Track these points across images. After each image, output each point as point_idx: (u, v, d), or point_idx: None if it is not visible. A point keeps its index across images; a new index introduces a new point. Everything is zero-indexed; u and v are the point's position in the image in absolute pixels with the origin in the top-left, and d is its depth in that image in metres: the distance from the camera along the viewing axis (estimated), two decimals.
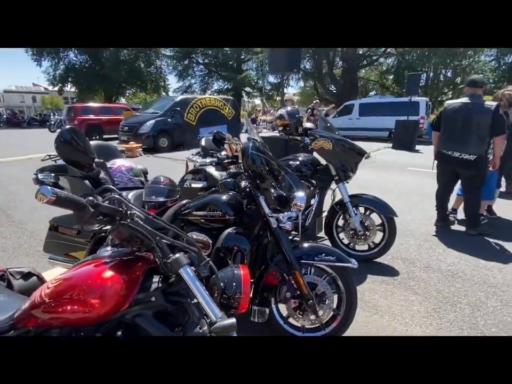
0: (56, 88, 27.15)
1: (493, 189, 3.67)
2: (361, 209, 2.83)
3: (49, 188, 0.72)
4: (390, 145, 10.74)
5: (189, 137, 10.16)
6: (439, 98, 21.63)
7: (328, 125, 2.89)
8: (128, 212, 0.84)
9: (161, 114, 10.66)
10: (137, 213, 0.88)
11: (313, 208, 2.70)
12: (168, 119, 10.55)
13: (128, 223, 0.84)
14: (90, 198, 0.77)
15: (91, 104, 16.00)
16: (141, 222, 0.86)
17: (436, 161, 3.62)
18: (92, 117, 13.92)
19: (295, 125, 2.92)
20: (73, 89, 28.41)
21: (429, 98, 16.36)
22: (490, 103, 3.21)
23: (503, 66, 20.25)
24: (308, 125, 3.04)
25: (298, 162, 2.81)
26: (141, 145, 9.60)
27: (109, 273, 0.85)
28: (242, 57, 28.86)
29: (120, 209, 0.82)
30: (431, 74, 23.16)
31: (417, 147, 10.02)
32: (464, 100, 3.28)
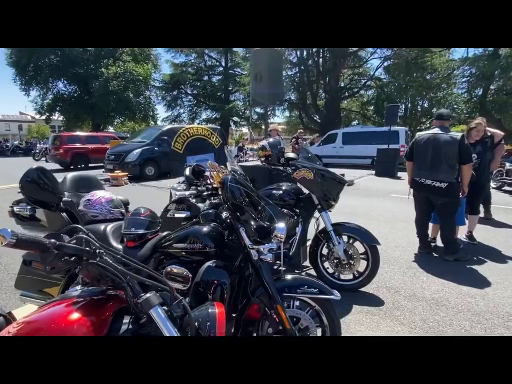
0: (44, 117, 27.12)
1: (462, 215, 3.78)
2: (345, 238, 2.84)
3: (9, 230, 0.69)
4: (373, 172, 11.06)
5: (176, 166, 10.26)
6: (418, 128, 22.70)
7: (310, 155, 2.96)
8: (97, 251, 0.82)
9: (148, 143, 10.81)
10: (106, 251, 0.86)
11: (297, 237, 2.70)
12: (155, 148, 10.68)
13: (96, 262, 0.82)
14: (52, 240, 0.74)
15: (77, 133, 16.01)
16: (110, 261, 0.84)
17: (411, 189, 3.75)
18: (77, 145, 13.87)
19: (277, 156, 2.99)
20: (60, 118, 28.45)
21: (408, 127, 17.18)
22: (456, 134, 3.41)
23: (474, 98, 21.63)
24: (290, 155, 3.10)
25: (281, 192, 2.84)
26: (126, 173, 9.58)
27: (75, 315, 0.81)
28: (230, 88, 29.93)
29: (87, 248, 0.80)
30: (409, 105, 24.55)
31: (399, 174, 10.32)
32: (433, 131, 3.48)
